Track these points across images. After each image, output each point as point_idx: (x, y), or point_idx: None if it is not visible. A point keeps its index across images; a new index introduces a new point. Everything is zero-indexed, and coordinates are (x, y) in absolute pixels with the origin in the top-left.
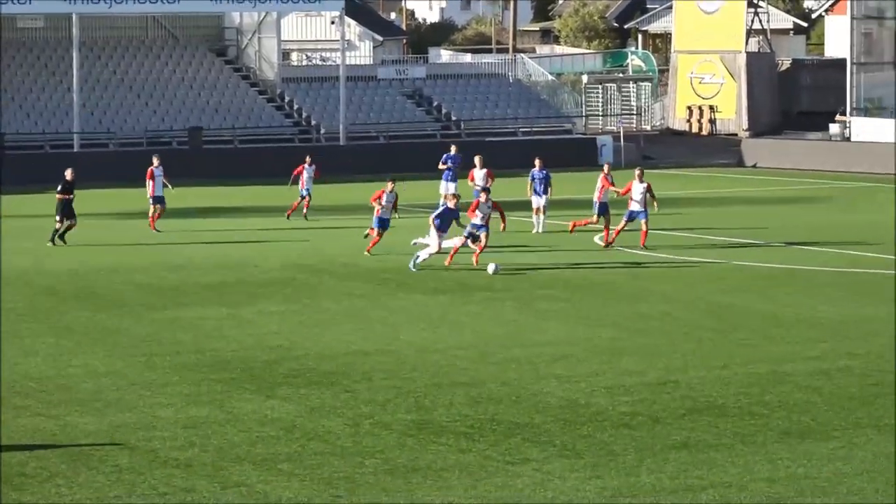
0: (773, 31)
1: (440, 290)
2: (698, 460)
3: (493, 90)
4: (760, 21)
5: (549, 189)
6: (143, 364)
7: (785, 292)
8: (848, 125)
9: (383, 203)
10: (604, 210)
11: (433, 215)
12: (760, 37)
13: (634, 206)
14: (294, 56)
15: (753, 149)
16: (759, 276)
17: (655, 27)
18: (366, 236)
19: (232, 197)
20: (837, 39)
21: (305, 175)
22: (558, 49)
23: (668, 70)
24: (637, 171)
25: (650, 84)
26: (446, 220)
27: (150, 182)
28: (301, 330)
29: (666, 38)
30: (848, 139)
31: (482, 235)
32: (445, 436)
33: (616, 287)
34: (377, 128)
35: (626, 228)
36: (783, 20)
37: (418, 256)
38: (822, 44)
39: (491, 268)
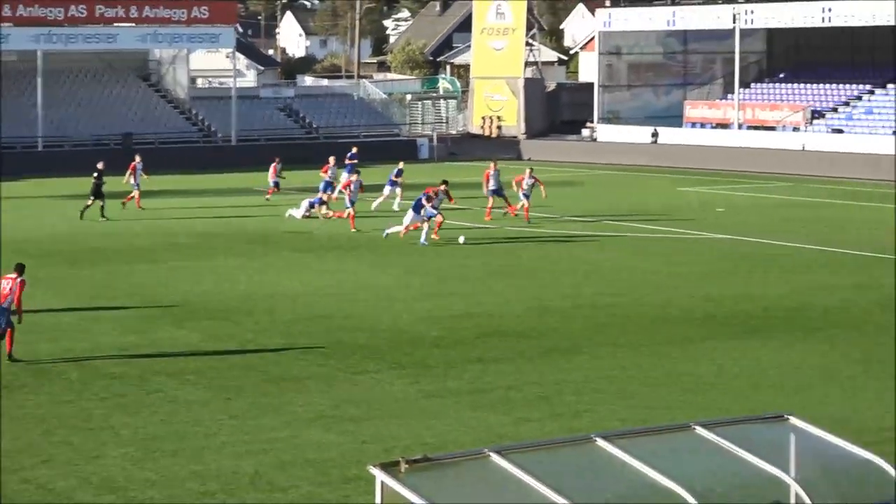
0: (543, 63)
1: (309, 249)
2: (489, 370)
3: (343, 106)
4: (534, 55)
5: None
6: (90, 303)
7: (562, 249)
8: (595, 130)
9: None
10: (497, 193)
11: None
12: (534, 67)
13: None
14: (199, 81)
15: (529, 147)
16: (549, 239)
17: (460, 60)
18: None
19: (156, 184)
20: (588, 69)
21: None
22: (390, 76)
23: (468, 91)
24: (528, 169)
25: (455, 101)
26: (419, 205)
27: (132, 173)
28: (204, 279)
29: (467, 67)
30: (595, 140)
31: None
32: (307, 355)
33: (441, 248)
34: (260, 133)
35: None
36: (550, 55)
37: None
38: (577, 72)
39: (461, 238)
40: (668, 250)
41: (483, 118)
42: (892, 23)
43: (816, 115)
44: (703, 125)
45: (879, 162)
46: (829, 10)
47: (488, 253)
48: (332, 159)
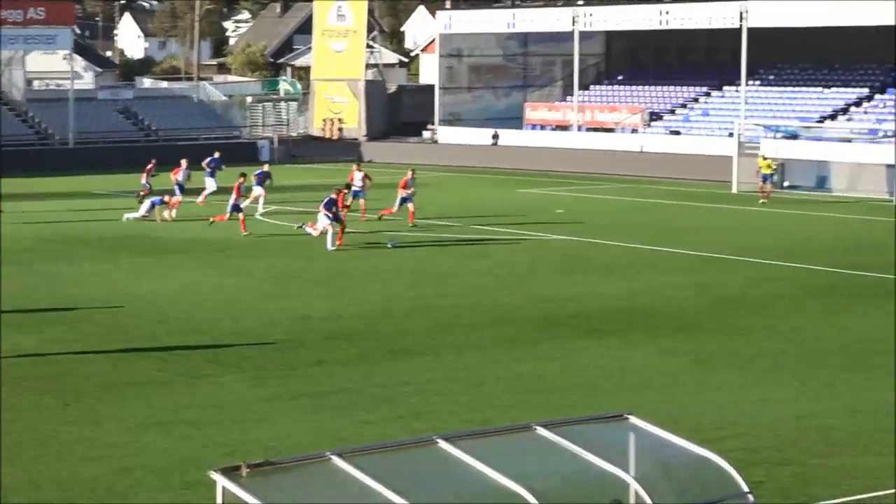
0: (384, 65)
1: (150, 252)
2: (330, 373)
3: (183, 108)
4: (375, 57)
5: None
6: None
7: (405, 251)
8: (436, 132)
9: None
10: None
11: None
12: (375, 69)
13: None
14: (36, 83)
15: (370, 149)
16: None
17: (300, 62)
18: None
19: None
20: (429, 71)
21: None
22: (230, 78)
23: (309, 93)
24: (410, 171)
25: (296, 103)
26: (330, 205)
27: None
28: (42, 284)
29: (307, 69)
30: (436, 142)
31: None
32: (146, 359)
33: (287, 249)
34: (98, 135)
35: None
36: (391, 57)
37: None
38: (418, 74)
39: (391, 243)
40: (508, 251)
41: (324, 120)
42: (729, 25)
43: (654, 117)
44: (543, 127)
45: (716, 163)
46: (667, 12)
47: (333, 255)
48: (184, 162)
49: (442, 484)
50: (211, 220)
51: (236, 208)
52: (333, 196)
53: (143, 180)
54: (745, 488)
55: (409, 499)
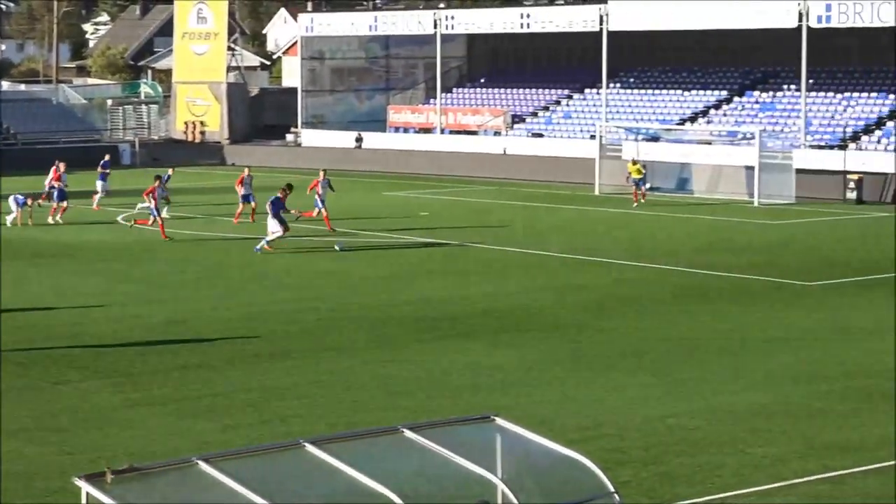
0: (246, 68)
1: (7, 257)
2: (195, 377)
3: (42, 111)
4: (237, 60)
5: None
6: None
7: (271, 254)
8: (299, 135)
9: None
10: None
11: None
12: (237, 71)
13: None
14: None
15: (233, 152)
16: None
17: (161, 64)
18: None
19: None
20: (291, 73)
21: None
22: (90, 80)
23: (170, 95)
24: (322, 171)
25: (157, 106)
26: (277, 207)
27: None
28: None
29: (169, 72)
30: (299, 145)
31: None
32: (6, 366)
33: (150, 253)
34: None
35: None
36: (253, 60)
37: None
38: (281, 77)
39: (338, 245)
40: (377, 255)
41: (186, 123)
42: (589, 29)
43: (517, 119)
44: (406, 130)
45: (579, 165)
46: (528, 15)
47: (201, 259)
48: (62, 165)
49: (308, 487)
50: (132, 223)
51: (157, 212)
52: (280, 195)
53: (48, 184)
54: (611, 488)
55: (275, 502)
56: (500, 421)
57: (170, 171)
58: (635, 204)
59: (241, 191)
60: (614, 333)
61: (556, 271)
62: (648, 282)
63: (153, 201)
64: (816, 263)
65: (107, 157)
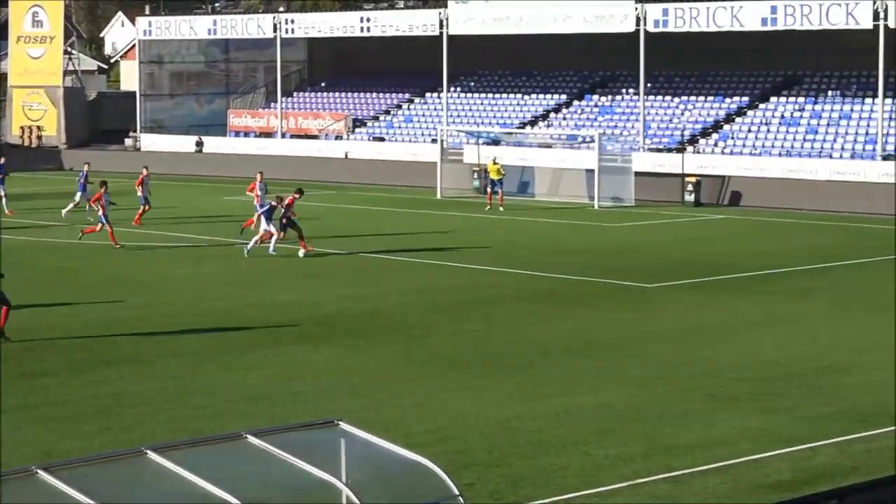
0: (84, 72)
1: None
2: (36, 385)
3: None
4: (73, 64)
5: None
6: None
7: (120, 259)
8: (138, 139)
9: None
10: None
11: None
12: (74, 75)
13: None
14: None
15: (71, 156)
16: (103, 246)
17: None
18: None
19: None
20: (130, 77)
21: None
22: None
23: (5, 100)
24: (259, 174)
25: None
26: (270, 214)
27: None
28: None
29: (3, 76)
30: (139, 149)
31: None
32: None
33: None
34: None
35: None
36: (91, 64)
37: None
38: (119, 81)
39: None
40: (225, 259)
41: (22, 128)
42: (430, 33)
43: (358, 123)
44: (246, 134)
45: (421, 169)
46: (368, 19)
47: (57, 262)
48: None
49: (151, 495)
50: (81, 234)
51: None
52: (274, 203)
53: None
54: (456, 491)
55: None
56: (344, 425)
57: (85, 168)
58: (488, 207)
59: (140, 192)
60: (461, 336)
61: (403, 275)
62: (495, 285)
63: (101, 208)
64: (656, 265)
65: (1, 160)
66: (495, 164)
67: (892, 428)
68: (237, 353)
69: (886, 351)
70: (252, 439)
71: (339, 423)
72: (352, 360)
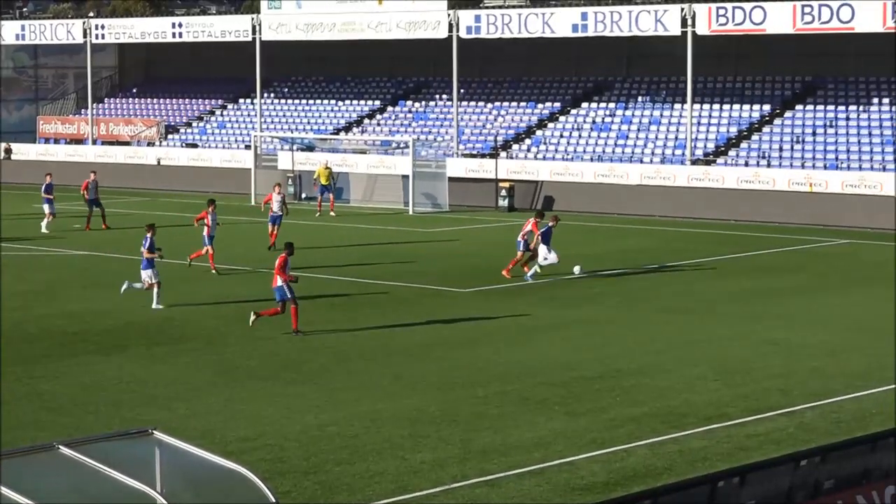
0: None
1: None
2: None
3: None
4: None
5: None
6: None
7: None
8: None
9: None
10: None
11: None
12: None
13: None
14: None
15: None
16: None
17: None
18: None
19: None
20: None
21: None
22: None
23: None
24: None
25: None
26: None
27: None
28: None
29: None
30: None
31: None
32: None
33: None
34: None
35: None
36: None
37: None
38: None
39: (576, 269)
40: (23, 268)
41: None
42: (243, 38)
43: (171, 129)
44: (57, 141)
45: (235, 175)
46: (181, 25)
47: None
48: None
49: None
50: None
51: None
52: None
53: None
54: (273, 499)
55: None
56: (158, 434)
57: (48, 178)
58: (318, 214)
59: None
60: (270, 344)
61: (211, 283)
62: (307, 291)
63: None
64: (470, 270)
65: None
66: (327, 168)
67: (703, 428)
68: (43, 364)
69: (687, 353)
70: (64, 450)
71: (154, 432)
72: (161, 368)
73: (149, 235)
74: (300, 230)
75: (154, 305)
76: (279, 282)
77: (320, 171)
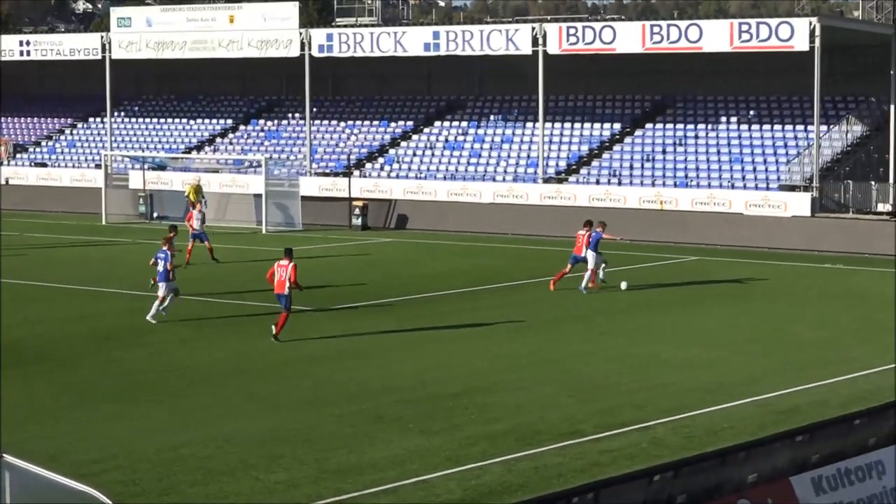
0: None
1: None
2: None
3: None
4: None
5: None
6: None
7: None
8: None
9: None
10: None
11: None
12: None
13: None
14: None
15: None
16: None
17: None
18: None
19: None
20: None
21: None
22: None
23: None
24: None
25: None
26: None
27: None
28: None
29: None
30: None
31: None
32: None
33: None
34: None
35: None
36: None
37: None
38: None
39: (623, 284)
40: None
41: None
42: (92, 57)
43: (19, 148)
44: None
45: (86, 195)
46: (28, 43)
47: None
48: None
49: None
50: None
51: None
52: (166, 248)
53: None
54: None
55: None
56: (8, 458)
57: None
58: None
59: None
60: (122, 364)
61: (62, 303)
62: (145, 310)
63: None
64: (323, 289)
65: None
66: (197, 185)
67: (558, 445)
68: None
69: (541, 369)
70: None
71: (4, 455)
72: (9, 390)
73: (166, 248)
74: (147, 249)
75: (149, 316)
76: (286, 290)
77: (189, 190)
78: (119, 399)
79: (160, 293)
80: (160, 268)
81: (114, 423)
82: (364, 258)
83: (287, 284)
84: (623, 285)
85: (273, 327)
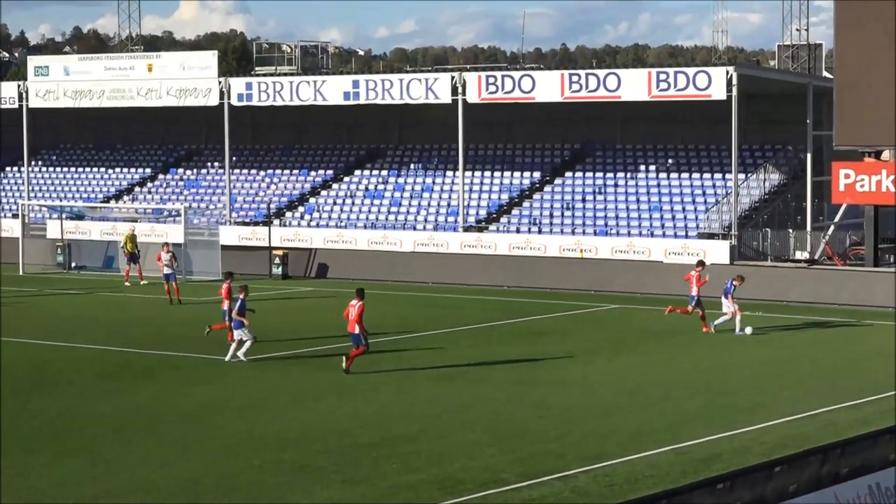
0: None
1: None
2: None
3: None
4: None
5: None
6: None
7: None
8: None
9: None
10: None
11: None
12: None
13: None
14: None
15: None
16: None
17: None
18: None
19: None
20: None
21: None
22: None
23: None
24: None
25: None
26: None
27: None
28: None
29: None
30: None
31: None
32: None
33: None
34: None
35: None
36: None
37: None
38: None
39: (748, 330)
40: None
41: None
42: (9, 106)
43: None
44: None
45: (2, 245)
46: None
47: None
48: None
49: None
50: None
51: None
52: (243, 297)
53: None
54: None
55: None
56: None
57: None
58: (127, 283)
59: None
60: (37, 414)
61: None
62: (69, 360)
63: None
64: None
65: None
66: (132, 234)
67: (479, 494)
68: None
69: (463, 418)
70: None
71: None
72: None
73: (241, 297)
74: (60, 301)
75: (229, 356)
76: (356, 329)
77: (125, 240)
78: (39, 450)
79: (240, 337)
80: (235, 314)
81: (33, 474)
82: (284, 306)
83: (356, 323)
84: (748, 330)
85: (344, 359)
